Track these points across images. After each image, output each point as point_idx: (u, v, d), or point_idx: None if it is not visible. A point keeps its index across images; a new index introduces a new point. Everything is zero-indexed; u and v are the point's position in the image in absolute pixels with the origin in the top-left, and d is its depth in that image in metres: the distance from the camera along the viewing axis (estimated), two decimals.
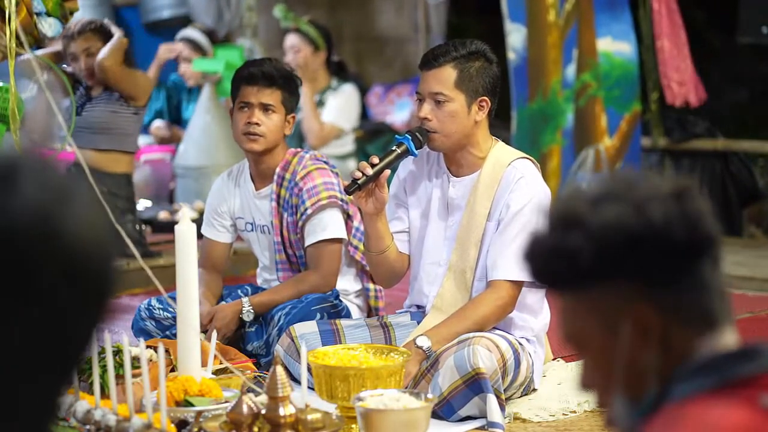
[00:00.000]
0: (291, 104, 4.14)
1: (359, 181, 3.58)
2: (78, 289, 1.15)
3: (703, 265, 1.44)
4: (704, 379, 1.40)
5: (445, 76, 3.64)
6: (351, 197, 3.82)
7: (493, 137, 3.78)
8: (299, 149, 4.24)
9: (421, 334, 3.58)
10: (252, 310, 4.03)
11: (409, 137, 3.65)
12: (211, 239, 4.30)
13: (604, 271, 1.43)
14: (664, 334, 1.42)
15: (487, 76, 3.67)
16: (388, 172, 3.63)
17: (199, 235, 3.37)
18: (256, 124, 4.06)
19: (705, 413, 1.35)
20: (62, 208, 1.14)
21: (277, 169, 4.15)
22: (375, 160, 3.60)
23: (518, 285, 3.61)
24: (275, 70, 4.11)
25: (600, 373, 1.48)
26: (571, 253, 1.43)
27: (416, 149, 3.66)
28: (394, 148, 3.67)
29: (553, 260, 1.46)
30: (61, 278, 1.13)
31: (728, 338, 1.45)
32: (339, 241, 4.11)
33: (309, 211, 4.06)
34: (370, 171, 3.57)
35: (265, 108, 4.08)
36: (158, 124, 7.24)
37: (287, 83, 4.12)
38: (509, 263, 3.57)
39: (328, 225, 4.08)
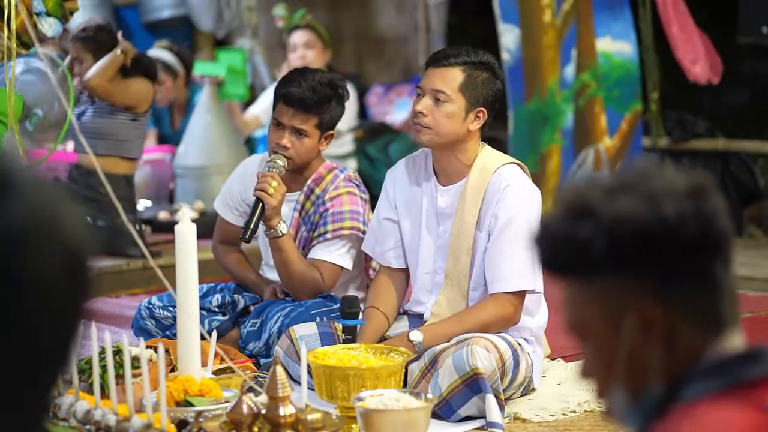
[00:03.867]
0: (328, 124, 4.03)
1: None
2: (75, 285, 1.18)
3: (714, 265, 1.42)
4: (712, 381, 1.39)
5: (452, 76, 3.65)
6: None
7: (480, 142, 3.77)
8: (336, 165, 4.17)
9: (416, 329, 3.60)
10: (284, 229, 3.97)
11: (346, 316, 3.64)
12: (227, 220, 4.29)
13: (613, 263, 1.41)
14: (668, 332, 1.41)
15: (491, 89, 3.67)
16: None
17: (200, 235, 3.36)
18: (285, 147, 3.98)
19: (712, 416, 1.35)
20: (60, 210, 1.17)
21: (309, 181, 4.10)
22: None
23: (520, 295, 3.61)
24: (313, 95, 3.97)
25: (600, 364, 1.46)
26: (582, 243, 1.41)
27: (357, 318, 3.65)
28: (345, 337, 3.64)
29: (563, 248, 1.44)
30: (63, 275, 1.16)
31: (735, 340, 1.44)
32: (340, 267, 4.09)
33: (328, 236, 4.03)
34: None
35: (298, 132, 4.00)
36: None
37: (324, 106, 3.99)
38: (506, 275, 3.58)
39: (338, 252, 4.05)
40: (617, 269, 1.41)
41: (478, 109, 3.66)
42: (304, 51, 6.85)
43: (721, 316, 1.43)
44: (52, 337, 1.16)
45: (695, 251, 1.41)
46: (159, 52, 7.05)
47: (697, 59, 6.56)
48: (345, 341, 3.59)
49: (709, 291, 1.42)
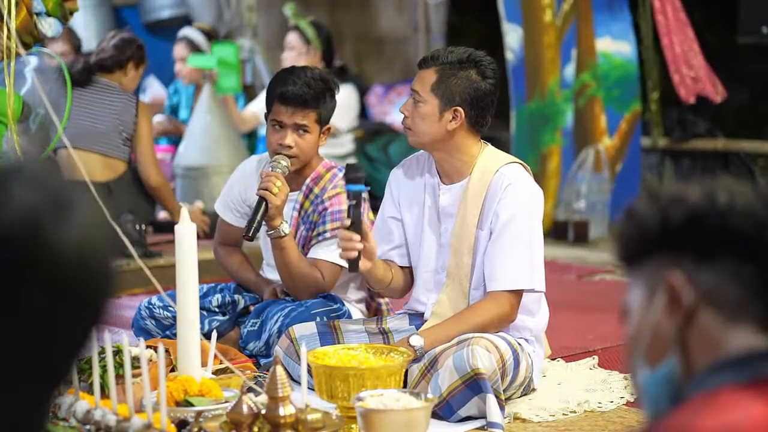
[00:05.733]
0: (326, 117, 4.04)
1: (354, 263, 3.55)
2: (67, 297, 1.14)
3: (751, 267, 1.45)
4: (734, 373, 1.43)
5: (427, 77, 3.65)
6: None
7: (483, 141, 3.76)
8: (334, 164, 4.16)
9: (416, 334, 3.60)
10: (286, 229, 3.95)
11: (350, 181, 3.56)
12: (228, 221, 4.28)
13: (661, 237, 1.47)
14: (692, 312, 1.46)
15: (468, 87, 3.63)
16: (368, 222, 3.73)
17: (199, 235, 3.36)
18: (289, 146, 3.98)
19: (732, 405, 1.38)
20: (56, 216, 1.13)
21: (307, 180, 4.09)
22: (347, 222, 3.55)
23: (517, 294, 3.61)
24: (309, 90, 3.97)
25: (633, 340, 1.52)
26: (641, 219, 1.49)
27: (362, 184, 3.55)
28: (349, 203, 3.55)
29: (629, 228, 1.52)
30: (48, 287, 1.12)
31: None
32: (340, 267, 4.08)
33: (327, 235, 4.03)
34: (357, 245, 3.53)
35: (299, 128, 3.99)
36: (159, 119, 7.24)
37: (321, 100, 4.00)
38: (505, 273, 3.57)
39: (338, 251, 4.04)
40: (664, 244, 1.47)
41: (454, 108, 3.64)
42: (288, 53, 6.96)
43: (751, 317, 1.46)
44: (63, 330, 1.14)
45: (738, 244, 1.45)
46: (189, 30, 7.15)
47: (700, 76, 6.55)
48: (349, 208, 3.54)
49: (741, 288, 1.46)
